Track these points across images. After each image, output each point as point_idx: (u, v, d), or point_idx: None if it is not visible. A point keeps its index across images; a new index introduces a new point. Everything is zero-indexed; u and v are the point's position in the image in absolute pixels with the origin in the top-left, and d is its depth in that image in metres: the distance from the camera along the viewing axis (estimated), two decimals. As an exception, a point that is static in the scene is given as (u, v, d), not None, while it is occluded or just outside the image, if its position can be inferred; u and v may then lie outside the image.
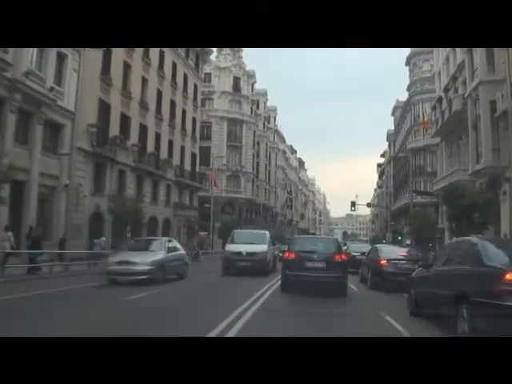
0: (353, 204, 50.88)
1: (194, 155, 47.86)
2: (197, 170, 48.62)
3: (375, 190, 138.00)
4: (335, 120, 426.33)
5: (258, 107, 75.10)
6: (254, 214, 71.56)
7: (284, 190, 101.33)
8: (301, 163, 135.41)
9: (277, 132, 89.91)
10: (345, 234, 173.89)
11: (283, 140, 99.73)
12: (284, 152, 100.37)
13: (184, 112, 44.74)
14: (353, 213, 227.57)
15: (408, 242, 41.07)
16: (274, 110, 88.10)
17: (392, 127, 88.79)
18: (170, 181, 41.66)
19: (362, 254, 22.63)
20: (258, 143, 74.06)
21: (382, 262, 15.43)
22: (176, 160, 42.97)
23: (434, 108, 43.56)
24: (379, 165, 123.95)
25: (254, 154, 69.77)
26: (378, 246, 19.33)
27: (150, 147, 37.23)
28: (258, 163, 73.41)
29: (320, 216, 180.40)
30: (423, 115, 59.42)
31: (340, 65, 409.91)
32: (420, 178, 59.12)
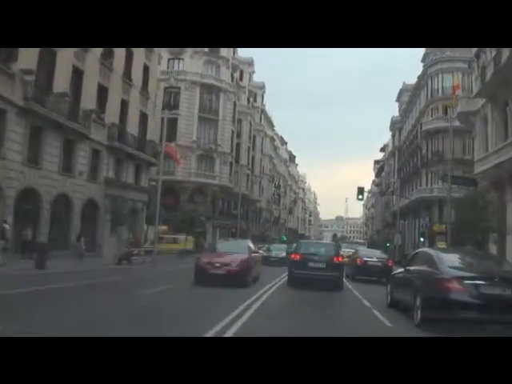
0: (360, 191, 38.66)
1: (144, 117, 35.28)
2: (148, 137, 35.93)
3: (369, 190, 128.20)
4: (328, 122, 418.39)
5: (241, 78, 62.55)
6: (231, 206, 59.03)
7: (271, 182, 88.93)
8: (291, 157, 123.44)
9: (264, 113, 77.19)
10: (335, 236, 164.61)
11: (272, 125, 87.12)
12: (272, 139, 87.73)
13: (129, 54, 32.11)
14: (343, 215, 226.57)
15: (441, 244, 29.51)
16: (262, 87, 75.13)
17: (386, 137, 77.44)
18: (99, 144, 29.04)
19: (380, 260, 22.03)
20: (240, 121, 61.39)
21: (449, 283, 8.75)
22: (112, 117, 30.38)
23: (476, 58, 31.49)
24: (377, 161, 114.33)
25: (233, 132, 56.93)
26: (427, 250, 12.49)
27: (61, 85, 24.53)
28: (238, 145, 60.74)
29: (310, 216, 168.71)
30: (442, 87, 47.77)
31: (338, 67, 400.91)
32: (438, 167, 46.99)
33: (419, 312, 9.56)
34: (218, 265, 14.68)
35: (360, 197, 39.63)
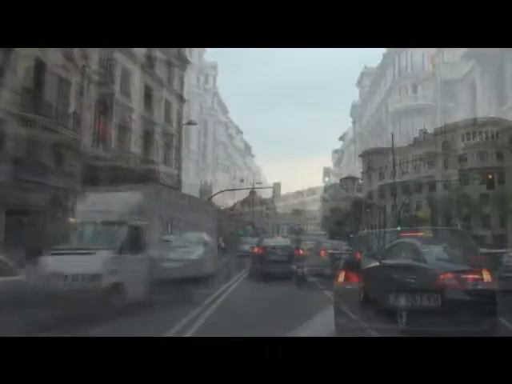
0: (326, 172, 34.40)
1: (66, 84, 29.14)
2: (72, 108, 29.77)
3: (328, 181, 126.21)
4: (286, 120, 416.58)
5: (190, 54, 56.71)
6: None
7: (226, 173, 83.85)
8: (247, 147, 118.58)
9: (217, 97, 71.54)
10: (292, 229, 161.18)
11: (225, 111, 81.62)
12: (226, 126, 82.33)
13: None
14: (300, 208, 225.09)
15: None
16: (215, 67, 69.58)
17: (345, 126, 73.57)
18: (3, 112, 22.92)
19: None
20: (189, 102, 55.54)
21: (443, 278, 8.37)
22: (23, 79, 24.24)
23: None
24: (336, 151, 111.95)
25: (178, 111, 50.89)
26: (410, 240, 10.88)
27: None
28: (186, 128, 54.92)
29: (267, 209, 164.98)
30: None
31: (298, 64, 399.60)
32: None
33: (404, 314, 8.71)
34: None
35: (326, 179, 35.33)
